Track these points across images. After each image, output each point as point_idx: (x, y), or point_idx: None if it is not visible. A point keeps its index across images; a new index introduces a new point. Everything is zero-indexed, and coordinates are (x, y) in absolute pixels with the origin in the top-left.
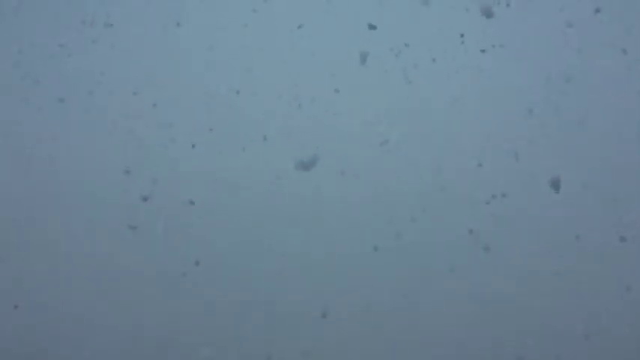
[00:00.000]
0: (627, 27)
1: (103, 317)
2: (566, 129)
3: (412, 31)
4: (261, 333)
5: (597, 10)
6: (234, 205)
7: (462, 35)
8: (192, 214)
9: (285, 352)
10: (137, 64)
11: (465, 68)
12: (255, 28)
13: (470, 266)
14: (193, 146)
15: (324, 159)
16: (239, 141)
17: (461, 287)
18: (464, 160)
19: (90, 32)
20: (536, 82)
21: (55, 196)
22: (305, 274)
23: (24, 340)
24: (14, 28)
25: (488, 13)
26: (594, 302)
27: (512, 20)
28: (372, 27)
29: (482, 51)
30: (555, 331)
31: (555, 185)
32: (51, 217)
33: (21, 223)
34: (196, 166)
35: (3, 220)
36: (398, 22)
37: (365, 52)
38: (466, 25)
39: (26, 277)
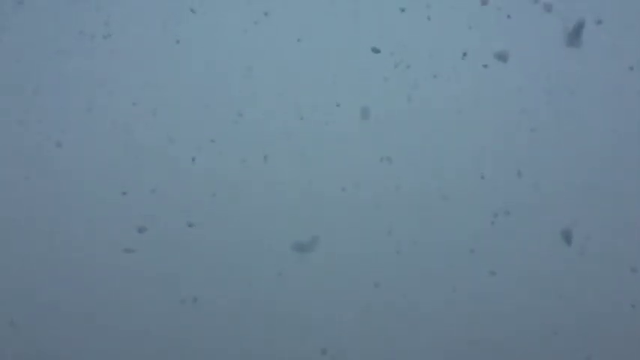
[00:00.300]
0: (631, 39)
1: (99, 340)
2: (570, 145)
3: (414, 45)
4: None
5: (599, 22)
6: (234, 226)
7: (465, 54)
8: (190, 237)
9: None
10: (136, 75)
11: (467, 83)
12: (255, 40)
13: (473, 290)
14: (193, 160)
15: (324, 174)
16: (239, 155)
17: (464, 310)
18: (466, 177)
19: (89, 42)
20: (538, 97)
21: (51, 217)
22: (304, 298)
23: (19, 358)
24: (13, 34)
25: (489, 29)
26: (601, 328)
27: (515, 35)
28: (375, 50)
29: (485, 66)
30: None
31: (566, 236)
32: (48, 238)
33: (16, 242)
34: (196, 184)
35: None
36: (400, 37)
37: (366, 65)
38: (469, 42)
39: (22, 294)
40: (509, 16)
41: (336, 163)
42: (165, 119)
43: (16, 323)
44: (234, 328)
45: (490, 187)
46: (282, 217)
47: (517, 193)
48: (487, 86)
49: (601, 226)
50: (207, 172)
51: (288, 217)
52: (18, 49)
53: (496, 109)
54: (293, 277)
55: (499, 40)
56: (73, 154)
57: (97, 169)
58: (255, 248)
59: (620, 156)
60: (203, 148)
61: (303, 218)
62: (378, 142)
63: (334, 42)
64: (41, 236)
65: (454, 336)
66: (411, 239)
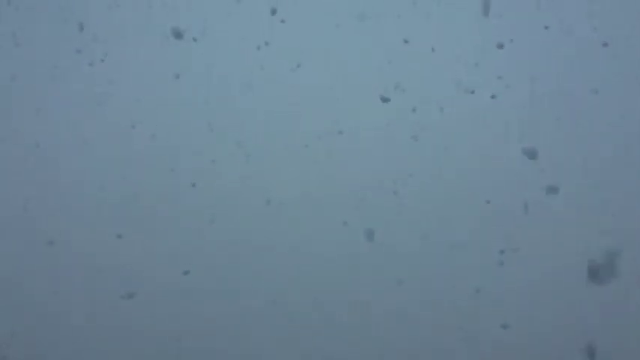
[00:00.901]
0: (637, 60)
1: None
2: (577, 176)
3: (420, 75)
4: None
5: (605, 44)
6: (231, 276)
7: (473, 92)
8: (186, 285)
9: None
10: (135, 98)
11: (474, 115)
12: (257, 67)
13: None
14: (193, 185)
15: (326, 208)
16: (239, 174)
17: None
18: (472, 211)
19: (86, 62)
20: (545, 125)
21: (45, 263)
22: (301, 330)
23: None
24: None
25: (494, 58)
26: None
27: (521, 62)
28: (384, 99)
29: (493, 97)
30: None
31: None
32: (42, 284)
33: (10, 285)
34: (192, 230)
35: None
36: (405, 66)
37: (368, 93)
38: (476, 78)
39: (16, 335)
40: (512, 41)
41: (338, 193)
42: (166, 142)
43: (10, 356)
44: None
45: (496, 222)
46: (283, 255)
47: (523, 229)
48: (494, 118)
49: (624, 256)
50: (207, 198)
51: (289, 254)
52: (15, 68)
53: (502, 140)
54: (290, 319)
55: (504, 70)
56: (70, 173)
57: (94, 191)
58: (254, 294)
59: (630, 185)
60: (203, 172)
61: (303, 255)
62: (381, 173)
63: (336, 69)
64: (35, 284)
65: None
66: (414, 271)
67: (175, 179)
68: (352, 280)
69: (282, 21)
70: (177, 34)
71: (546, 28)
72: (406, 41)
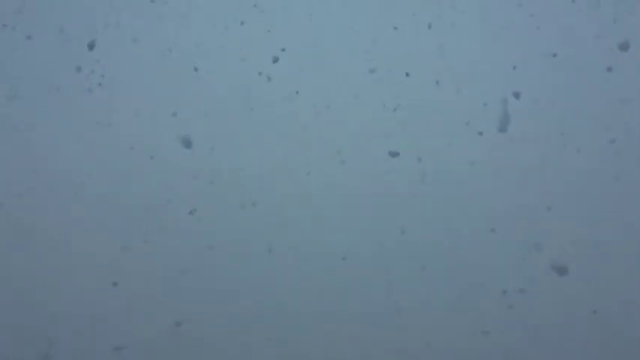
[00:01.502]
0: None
1: None
2: (582, 217)
3: (425, 110)
4: None
5: (609, 69)
6: (222, 327)
7: (481, 134)
8: (178, 338)
9: None
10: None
11: (481, 153)
12: (256, 93)
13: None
14: (191, 212)
15: (329, 242)
16: (238, 201)
17: None
18: (479, 249)
19: (85, 83)
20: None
21: (41, 312)
22: None
23: None
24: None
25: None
26: None
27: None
28: (393, 154)
29: (502, 130)
30: None
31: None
32: (37, 337)
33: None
34: (186, 285)
35: None
36: (411, 102)
37: (372, 122)
38: (483, 119)
39: None
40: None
41: (339, 227)
42: (165, 163)
43: None
44: None
45: (505, 259)
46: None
47: (531, 270)
48: (502, 156)
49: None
50: (206, 226)
51: (290, 291)
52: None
53: (511, 180)
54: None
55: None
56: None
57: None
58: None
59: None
60: (202, 196)
61: (304, 293)
62: (388, 209)
63: (350, 100)
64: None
65: None
66: (416, 308)
67: (174, 207)
68: (353, 318)
69: (283, 49)
70: (179, 63)
71: (554, 55)
72: (408, 74)
